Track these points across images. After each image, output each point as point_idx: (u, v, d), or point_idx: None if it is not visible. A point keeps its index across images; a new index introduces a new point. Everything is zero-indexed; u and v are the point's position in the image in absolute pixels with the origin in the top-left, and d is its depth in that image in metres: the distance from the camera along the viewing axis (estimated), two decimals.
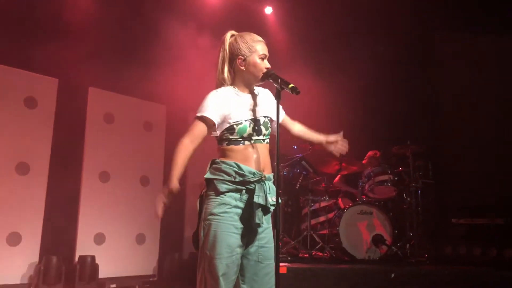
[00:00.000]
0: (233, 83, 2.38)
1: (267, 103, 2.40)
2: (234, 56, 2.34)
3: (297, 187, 5.59)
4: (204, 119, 2.27)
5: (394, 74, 6.46)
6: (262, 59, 2.33)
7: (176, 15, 5.99)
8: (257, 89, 2.43)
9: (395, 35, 6.32)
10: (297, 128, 2.57)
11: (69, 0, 5.37)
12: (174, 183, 2.21)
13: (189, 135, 2.28)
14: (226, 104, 2.27)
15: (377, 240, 4.86)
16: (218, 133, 2.30)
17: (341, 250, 4.98)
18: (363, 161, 5.92)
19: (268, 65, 2.33)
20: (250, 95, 2.37)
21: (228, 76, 2.37)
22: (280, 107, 2.33)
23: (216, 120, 2.26)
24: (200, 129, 2.28)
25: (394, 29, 6.24)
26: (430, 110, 6.42)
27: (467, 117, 6.04)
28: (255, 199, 2.17)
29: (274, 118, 2.31)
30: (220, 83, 2.38)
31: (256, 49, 2.32)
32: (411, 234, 5.13)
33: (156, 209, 2.22)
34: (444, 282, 3.97)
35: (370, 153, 5.97)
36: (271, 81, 2.27)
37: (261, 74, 2.31)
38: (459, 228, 5.35)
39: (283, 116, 2.51)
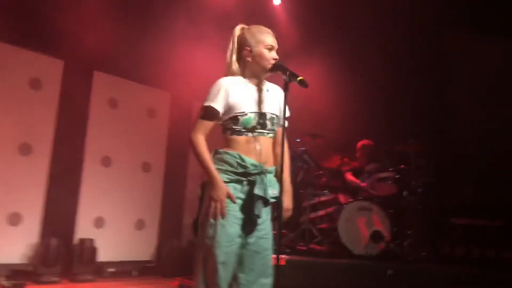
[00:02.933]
0: (242, 75, 2.38)
1: (276, 101, 2.39)
2: (241, 48, 2.36)
3: (298, 181, 5.59)
4: (211, 109, 2.26)
5: (398, 71, 6.43)
6: (269, 49, 2.33)
7: (183, 3, 5.96)
8: (269, 86, 2.43)
9: (402, 31, 6.27)
10: (279, 151, 2.40)
11: None
12: (223, 185, 2.19)
13: (200, 131, 2.28)
14: (232, 93, 2.27)
15: (376, 236, 4.87)
16: (222, 121, 2.31)
17: (339, 245, 5.00)
18: (356, 155, 5.89)
19: (276, 56, 2.33)
20: (259, 88, 2.37)
21: (237, 68, 2.37)
22: (287, 112, 2.33)
23: (221, 110, 2.27)
24: (209, 123, 2.29)
25: (401, 25, 6.19)
26: (434, 108, 6.39)
27: (471, 116, 6.02)
28: (256, 191, 2.19)
29: (280, 118, 2.37)
30: (230, 75, 2.38)
31: (262, 40, 2.33)
32: (409, 232, 5.14)
33: (217, 211, 2.16)
34: (441, 282, 3.99)
35: (361, 142, 5.91)
36: (280, 73, 2.27)
37: (267, 65, 2.31)
38: (458, 228, 5.35)
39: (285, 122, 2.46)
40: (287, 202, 2.43)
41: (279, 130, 2.41)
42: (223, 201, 2.16)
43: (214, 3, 6.04)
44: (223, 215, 2.15)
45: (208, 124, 2.29)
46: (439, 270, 4.16)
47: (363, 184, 5.41)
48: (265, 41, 2.33)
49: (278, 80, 2.37)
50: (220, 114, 2.27)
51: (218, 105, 2.25)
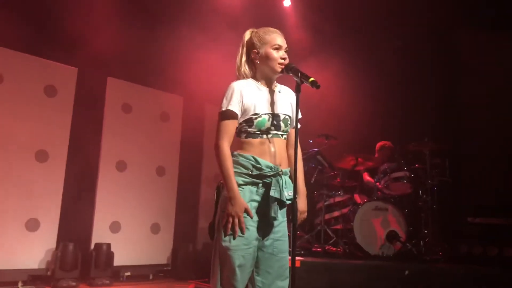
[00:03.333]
0: (253, 77, 2.39)
1: (288, 102, 2.40)
2: (250, 50, 2.37)
3: (312, 182, 5.58)
4: (230, 112, 2.25)
5: (413, 70, 6.39)
6: (276, 49, 2.32)
7: (194, 8, 6.00)
8: (281, 87, 2.43)
9: (416, 30, 6.23)
10: (291, 153, 2.43)
11: None
12: (242, 200, 2.16)
13: (225, 136, 2.24)
14: (246, 96, 2.27)
15: (392, 236, 4.84)
16: (237, 124, 2.30)
17: (354, 246, 4.97)
18: (375, 155, 5.88)
19: (284, 55, 2.32)
20: (271, 90, 2.37)
21: (248, 71, 2.38)
22: (299, 114, 2.34)
23: (238, 112, 2.26)
24: (231, 126, 2.26)
25: (414, 24, 6.15)
26: (449, 107, 6.34)
27: (486, 115, 5.95)
28: (271, 193, 2.18)
29: (293, 120, 2.37)
30: (242, 78, 2.39)
31: (269, 40, 2.33)
32: (426, 231, 5.09)
33: (236, 227, 2.14)
34: (459, 281, 3.95)
35: (380, 143, 5.92)
36: (291, 74, 2.27)
37: (275, 65, 2.31)
38: (475, 227, 5.29)
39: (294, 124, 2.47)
40: (302, 204, 2.42)
41: (292, 132, 2.41)
42: (241, 217, 2.14)
43: (225, 7, 6.08)
44: (242, 231, 2.13)
45: (231, 128, 2.26)
46: (457, 270, 4.11)
47: (378, 184, 5.38)
48: (272, 42, 2.33)
49: (290, 81, 2.38)
50: (238, 117, 2.27)
51: (235, 107, 2.25)
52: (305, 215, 2.46)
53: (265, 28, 2.41)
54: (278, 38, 2.35)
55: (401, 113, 6.43)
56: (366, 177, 5.76)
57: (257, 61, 2.35)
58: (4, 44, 4.92)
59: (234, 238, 2.13)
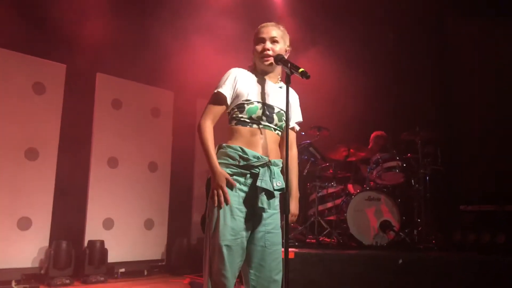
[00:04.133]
0: (255, 70, 2.41)
1: (290, 102, 2.33)
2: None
3: (304, 173, 5.58)
4: (219, 95, 2.28)
5: (403, 59, 6.39)
6: (259, 42, 2.33)
7: (184, 1, 5.95)
8: (283, 85, 2.38)
9: (406, 19, 6.23)
10: (291, 154, 2.42)
11: None
12: (221, 171, 2.18)
13: (208, 116, 2.28)
14: (241, 81, 2.29)
15: (385, 226, 4.85)
16: (229, 109, 2.31)
17: (348, 236, 4.99)
18: (369, 146, 5.90)
19: (265, 47, 2.30)
20: (271, 84, 2.37)
21: (254, 65, 2.41)
22: (298, 115, 2.45)
23: (229, 96, 2.28)
24: (217, 108, 2.30)
25: (405, 13, 6.14)
26: (439, 95, 6.35)
27: (477, 102, 5.97)
28: (258, 183, 2.17)
29: (291, 120, 2.41)
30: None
31: (255, 36, 2.36)
32: (419, 220, 5.11)
33: (220, 198, 2.15)
34: (453, 268, 3.97)
35: (374, 133, 5.96)
36: (281, 65, 2.27)
37: (259, 58, 2.32)
38: (468, 215, 5.32)
39: (293, 124, 2.48)
40: (294, 207, 2.43)
41: (291, 134, 2.45)
42: (224, 187, 2.15)
43: (215, 3, 6.03)
44: (227, 201, 2.15)
45: (217, 110, 2.29)
46: (451, 257, 4.14)
47: (370, 175, 5.39)
48: (256, 36, 2.35)
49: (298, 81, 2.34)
50: (228, 100, 2.28)
51: (226, 91, 2.27)
52: (295, 218, 2.47)
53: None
54: (261, 31, 2.34)
55: (393, 102, 6.44)
56: (364, 170, 5.81)
57: (254, 58, 2.38)
58: None
59: (219, 209, 2.14)
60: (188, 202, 6.49)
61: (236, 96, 2.28)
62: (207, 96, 2.35)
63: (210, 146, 2.22)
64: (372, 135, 6.00)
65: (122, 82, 5.94)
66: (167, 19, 5.85)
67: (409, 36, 6.42)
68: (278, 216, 2.30)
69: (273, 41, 2.32)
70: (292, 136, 2.48)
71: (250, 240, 2.22)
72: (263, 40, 2.32)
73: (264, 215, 2.23)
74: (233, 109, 2.30)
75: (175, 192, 6.31)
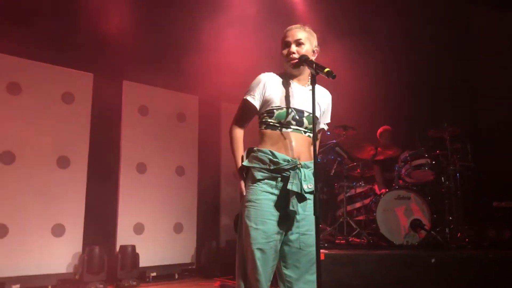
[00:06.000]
0: (284, 73, 2.42)
1: (316, 102, 2.30)
2: None
3: (331, 174, 5.54)
4: (247, 102, 2.34)
5: (428, 56, 6.28)
6: (285, 47, 2.35)
7: (206, 8, 6.00)
8: (317, 88, 2.32)
9: (430, 13, 6.13)
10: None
11: None
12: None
13: (237, 122, 2.39)
14: (270, 87, 2.32)
15: (416, 225, 4.78)
16: (259, 114, 2.36)
17: (378, 236, 4.93)
18: (380, 142, 5.87)
19: (291, 50, 2.31)
20: (300, 87, 2.37)
21: (285, 70, 2.43)
22: (328, 116, 2.49)
23: (257, 103, 2.33)
24: (246, 114, 2.38)
25: (428, 8, 6.04)
26: (466, 90, 6.22)
27: (505, 96, 5.81)
28: (289, 186, 2.18)
29: (321, 121, 2.45)
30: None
31: (282, 41, 2.38)
32: (450, 218, 5.01)
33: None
34: (487, 267, 3.88)
35: (382, 128, 5.95)
36: (306, 65, 2.27)
37: (285, 62, 2.34)
38: (501, 211, 5.19)
39: (322, 125, 2.51)
40: None
41: (320, 131, 2.51)
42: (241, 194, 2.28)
43: (236, 6, 6.05)
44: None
45: (246, 116, 2.39)
46: (485, 256, 4.04)
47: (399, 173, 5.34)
48: (283, 40, 2.37)
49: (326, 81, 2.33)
50: (257, 107, 2.33)
51: (255, 98, 2.32)
52: None
53: None
54: (286, 34, 2.37)
55: (418, 99, 6.34)
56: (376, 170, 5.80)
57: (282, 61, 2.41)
58: (19, 54, 5.01)
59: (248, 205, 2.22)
60: (216, 205, 6.53)
61: (265, 103, 2.31)
62: (232, 99, 2.41)
63: (237, 150, 2.36)
64: (379, 130, 5.95)
65: (148, 89, 6.03)
66: (189, 24, 5.91)
67: (436, 33, 6.31)
68: (312, 217, 2.30)
69: (299, 43, 2.33)
70: (320, 133, 2.54)
71: (285, 241, 2.23)
72: (288, 44, 2.34)
73: (298, 217, 2.24)
74: (262, 114, 2.33)
75: (202, 195, 6.36)
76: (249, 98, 2.32)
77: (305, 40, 2.34)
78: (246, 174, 2.30)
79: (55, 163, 5.14)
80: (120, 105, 5.79)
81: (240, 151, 2.34)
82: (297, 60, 2.30)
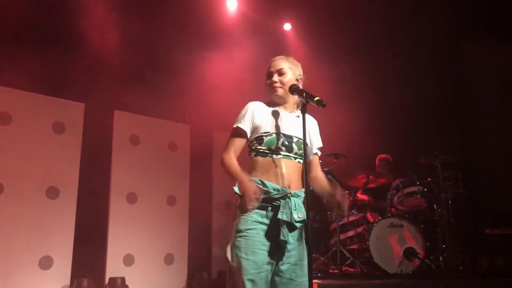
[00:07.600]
0: (271, 101, 2.47)
1: (308, 130, 2.39)
2: None
3: (324, 202, 5.51)
4: (238, 130, 2.34)
5: (420, 82, 6.38)
6: (270, 76, 2.42)
7: (197, 36, 6.08)
8: (300, 114, 2.33)
9: (419, 43, 6.25)
10: (318, 173, 2.52)
11: (92, 25, 5.49)
12: (251, 183, 2.14)
13: (230, 150, 2.34)
14: (258, 115, 2.35)
15: (409, 253, 4.75)
16: (248, 142, 2.37)
17: (372, 265, 4.88)
18: (377, 170, 5.87)
19: (273, 79, 2.39)
20: (288, 114, 2.41)
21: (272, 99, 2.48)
22: (318, 141, 2.48)
23: (248, 130, 2.34)
24: (237, 141, 2.36)
25: (417, 37, 6.16)
26: (458, 118, 6.30)
27: (497, 124, 5.89)
28: (279, 216, 2.17)
29: (310, 146, 2.44)
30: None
31: (267, 71, 2.45)
32: (444, 246, 4.99)
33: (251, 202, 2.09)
34: None
35: (379, 157, 5.97)
36: (296, 95, 2.29)
37: (270, 91, 2.41)
38: (494, 239, 5.18)
39: (315, 150, 2.51)
40: (339, 196, 2.34)
41: (315, 158, 2.50)
42: (251, 192, 2.07)
43: (227, 34, 6.15)
44: (258, 199, 2.08)
45: (238, 144, 2.36)
46: (479, 284, 4.00)
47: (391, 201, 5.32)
48: (268, 71, 2.44)
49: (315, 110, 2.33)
50: (248, 134, 2.34)
51: (245, 125, 2.33)
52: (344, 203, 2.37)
53: None
54: (271, 65, 2.45)
55: (408, 127, 6.40)
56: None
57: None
58: (9, 84, 5.00)
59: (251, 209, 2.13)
60: (208, 236, 6.44)
61: (254, 129, 2.33)
62: (223, 128, 2.41)
63: (237, 168, 2.24)
64: (377, 159, 5.98)
65: (140, 118, 6.03)
66: (181, 54, 5.96)
67: (422, 59, 6.43)
68: (303, 247, 2.27)
69: (281, 73, 2.40)
70: (316, 160, 2.53)
71: (276, 272, 2.20)
72: (271, 74, 2.41)
73: (289, 247, 2.21)
74: (252, 141, 2.34)
75: (194, 225, 6.28)
76: (239, 125, 2.34)
77: (288, 70, 2.40)
78: (237, 202, 2.28)
79: (44, 194, 5.06)
80: (111, 134, 5.76)
81: (238, 167, 2.24)
82: (280, 91, 2.36)
